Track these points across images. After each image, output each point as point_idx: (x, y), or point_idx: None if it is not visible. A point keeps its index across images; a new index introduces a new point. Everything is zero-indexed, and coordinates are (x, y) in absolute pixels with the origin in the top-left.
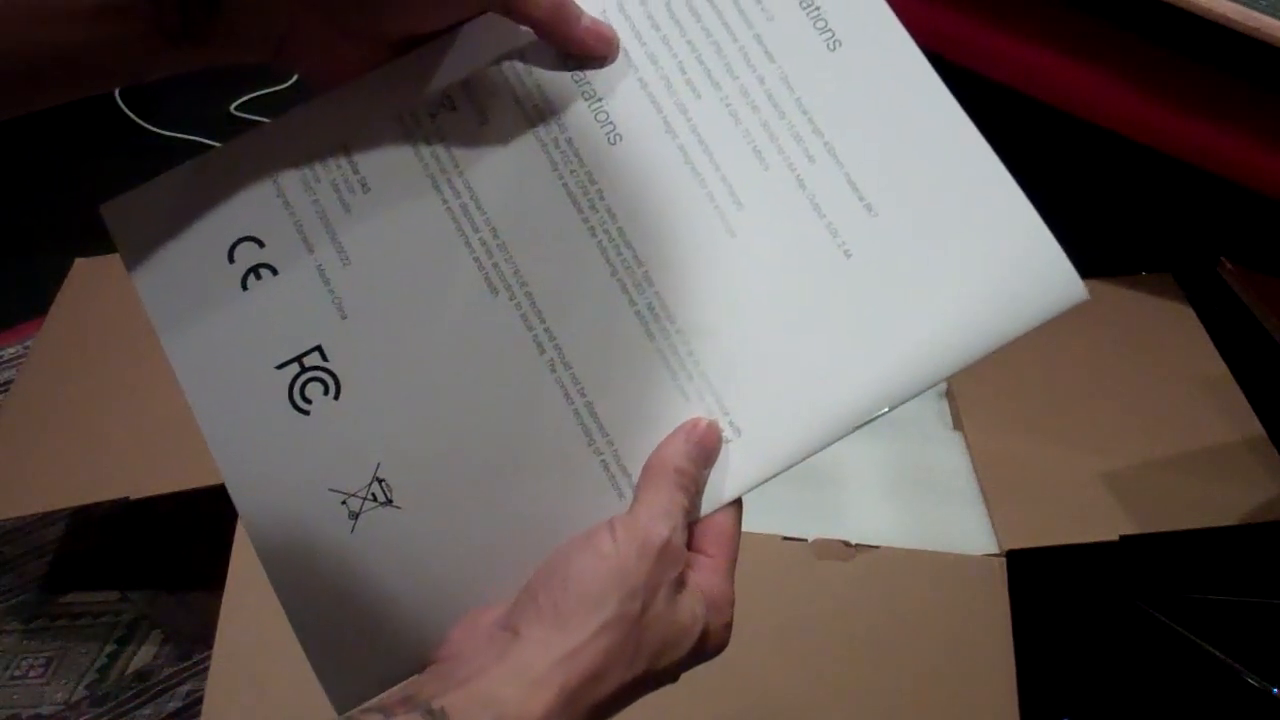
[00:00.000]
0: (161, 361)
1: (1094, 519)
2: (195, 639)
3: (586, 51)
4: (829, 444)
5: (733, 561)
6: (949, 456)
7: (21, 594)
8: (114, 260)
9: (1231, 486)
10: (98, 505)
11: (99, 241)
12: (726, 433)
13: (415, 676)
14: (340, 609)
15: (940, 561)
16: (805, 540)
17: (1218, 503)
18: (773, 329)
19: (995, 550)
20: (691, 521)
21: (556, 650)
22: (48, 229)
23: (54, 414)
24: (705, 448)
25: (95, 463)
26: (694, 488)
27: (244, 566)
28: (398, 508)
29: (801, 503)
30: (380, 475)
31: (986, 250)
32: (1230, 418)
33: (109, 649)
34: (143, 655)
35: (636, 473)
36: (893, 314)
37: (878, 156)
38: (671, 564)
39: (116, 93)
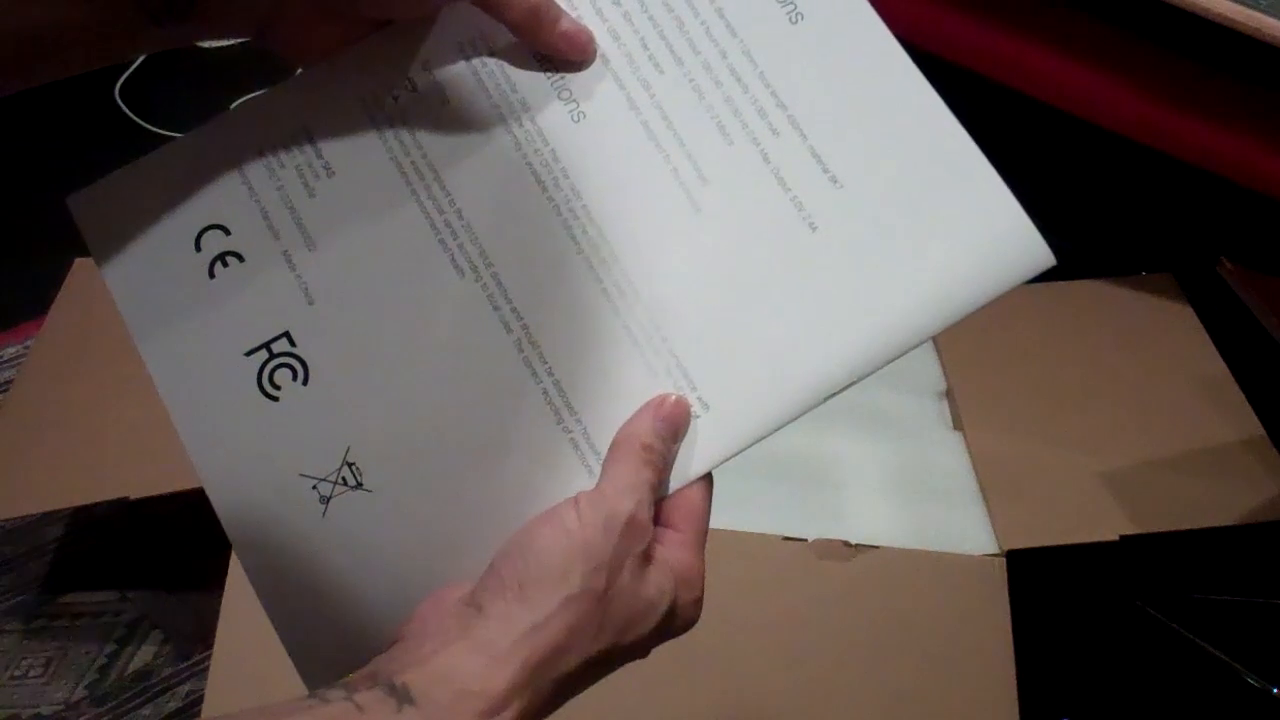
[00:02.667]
0: None
1: (1094, 519)
2: (195, 639)
3: (560, 56)
4: (797, 416)
5: (702, 536)
6: (949, 456)
7: (21, 594)
8: None
9: (1231, 486)
10: (98, 505)
11: None
12: (695, 408)
13: (381, 654)
14: (312, 591)
15: (940, 561)
16: (805, 540)
17: (1218, 503)
18: (739, 303)
19: (995, 550)
20: (660, 497)
21: (520, 625)
22: (48, 229)
23: (54, 414)
24: (673, 423)
25: (95, 463)
26: (661, 463)
27: None
28: (368, 491)
29: (801, 503)
30: (350, 459)
31: (952, 218)
32: (1230, 418)
33: (109, 649)
34: (143, 655)
35: (605, 450)
36: (859, 285)
37: (842, 129)
38: (637, 539)
39: (116, 92)
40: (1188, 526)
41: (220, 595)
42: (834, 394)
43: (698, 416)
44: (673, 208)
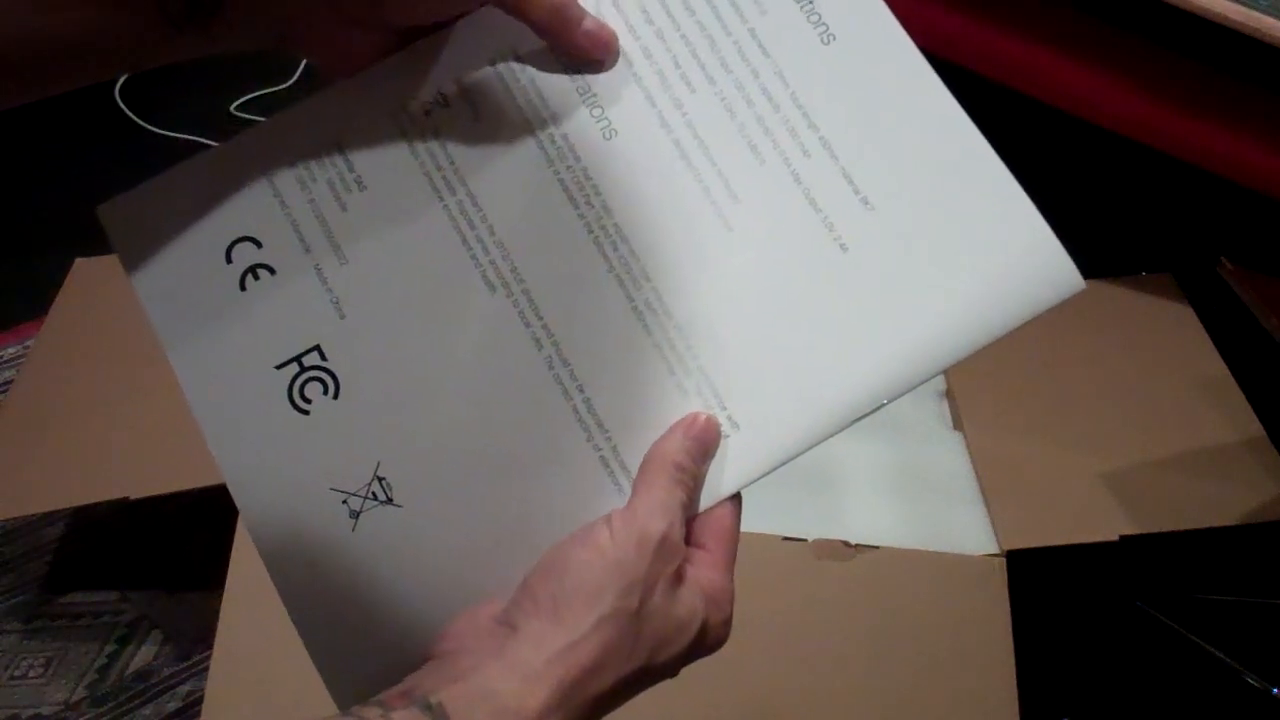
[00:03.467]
0: (162, 362)
1: (1094, 519)
2: (195, 639)
3: (583, 56)
4: (827, 437)
5: (732, 556)
6: (949, 456)
7: (21, 594)
8: (114, 260)
9: (1231, 486)
10: (98, 505)
11: (99, 241)
12: (724, 427)
13: (415, 672)
14: (341, 606)
15: (940, 561)
16: (805, 540)
17: (1218, 503)
18: (770, 323)
19: (995, 550)
20: (690, 516)
21: (553, 645)
22: (48, 229)
23: (54, 414)
24: (703, 442)
25: (95, 463)
26: (692, 482)
27: (244, 566)
28: (398, 506)
29: (801, 503)
30: (380, 474)
31: (983, 242)
32: (1230, 418)
33: (109, 649)
34: (143, 655)
35: (635, 468)
36: (889, 307)
37: (873, 150)
38: (669, 558)
39: (116, 92)
40: (1188, 526)
41: (220, 595)
42: (862, 417)
43: (727, 436)
44: (704, 226)
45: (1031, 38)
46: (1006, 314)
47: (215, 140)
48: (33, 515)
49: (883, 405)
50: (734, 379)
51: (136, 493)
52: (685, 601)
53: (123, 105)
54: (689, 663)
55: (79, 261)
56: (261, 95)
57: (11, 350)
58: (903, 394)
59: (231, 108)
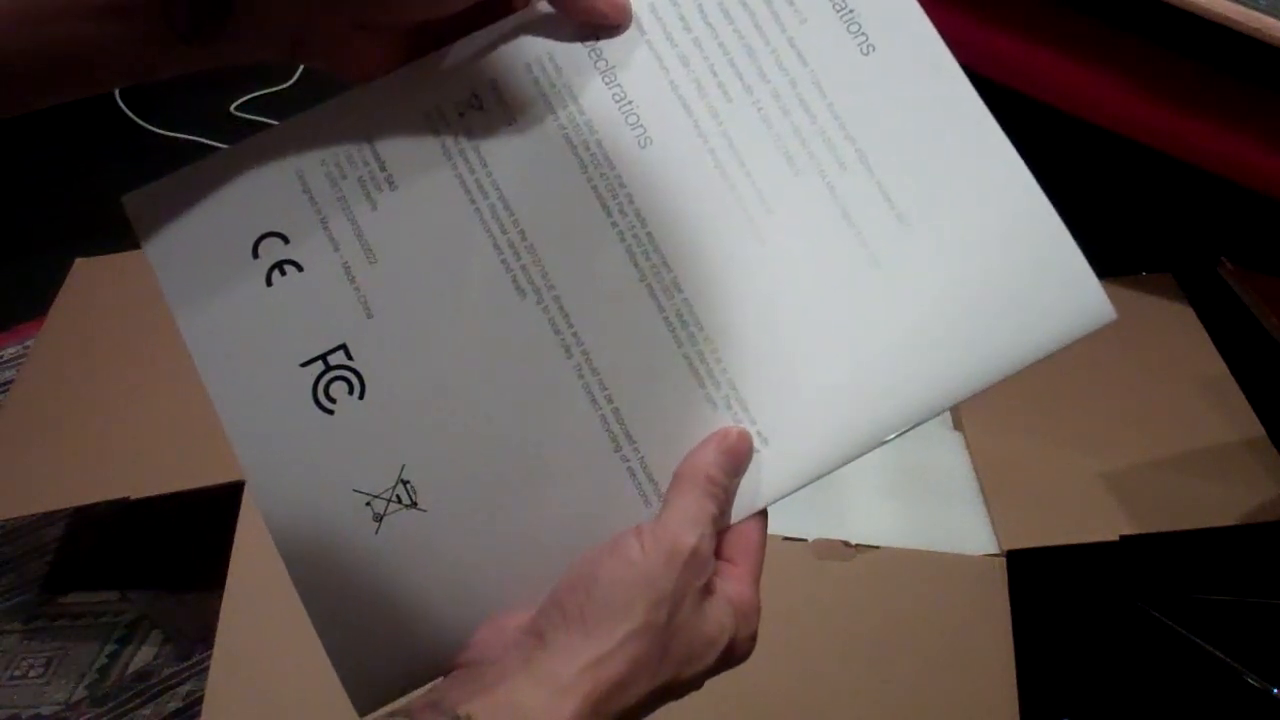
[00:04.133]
0: (162, 362)
1: (1094, 519)
2: (195, 639)
3: (601, 21)
4: (854, 458)
5: (759, 570)
6: (949, 456)
7: (21, 594)
8: (114, 260)
9: (1231, 486)
10: (98, 505)
11: (99, 241)
12: (754, 442)
13: (439, 680)
14: (363, 610)
15: (940, 561)
16: (805, 540)
17: (1218, 503)
18: (801, 338)
19: (995, 550)
20: (719, 530)
21: (582, 658)
22: (48, 229)
23: (54, 414)
24: (736, 457)
25: (95, 463)
26: (724, 496)
27: (244, 566)
28: (422, 510)
29: (801, 503)
30: (405, 477)
31: (1017, 269)
32: (1230, 418)
33: (109, 649)
34: (143, 655)
35: (662, 479)
36: (921, 327)
37: (910, 167)
38: (699, 572)
39: (116, 92)
40: (1188, 526)
41: (220, 595)
42: (889, 439)
43: (757, 451)
44: (737, 238)
45: (1031, 38)
46: (1036, 343)
47: (216, 140)
48: (33, 515)
49: (908, 429)
50: (764, 394)
51: (136, 493)
52: (713, 616)
53: (123, 105)
54: (714, 675)
55: (79, 261)
56: (261, 95)
57: (11, 350)
58: (929, 418)
59: (231, 108)
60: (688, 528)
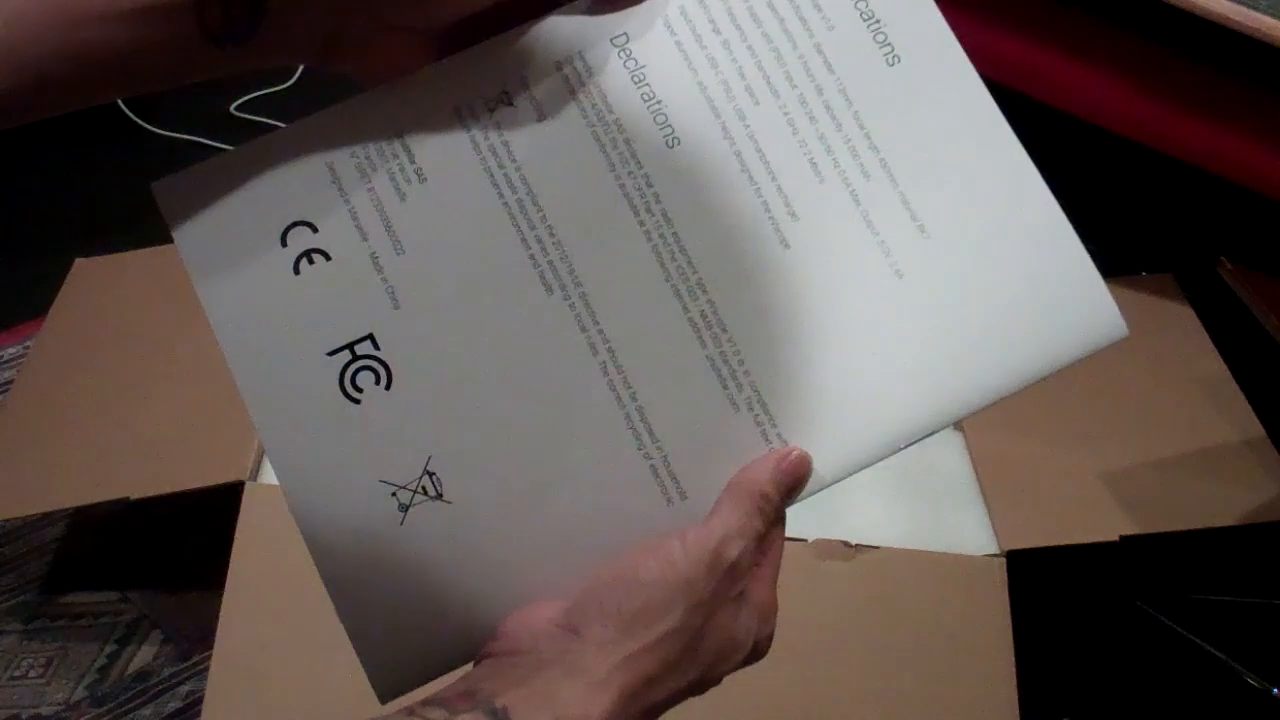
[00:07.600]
0: (162, 362)
1: (1094, 519)
2: (195, 639)
3: None
4: (870, 464)
5: (777, 571)
6: (949, 456)
7: (21, 594)
8: (114, 260)
9: (1231, 486)
10: (98, 505)
11: (99, 241)
12: (774, 444)
13: (471, 670)
14: (388, 600)
15: (940, 561)
16: (805, 540)
17: (1218, 503)
18: (823, 344)
19: (995, 550)
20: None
21: (618, 653)
22: (48, 229)
23: (54, 414)
24: (793, 478)
25: (95, 463)
26: (774, 514)
27: (244, 566)
28: (448, 502)
29: (801, 503)
30: (431, 469)
31: (1034, 284)
32: (1230, 418)
33: (109, 649)
34: (143, 655)
35: (684, 478)
36: (941, 338)
37: (932, 179)
38: (736, 582)
39: None
40: (1187, 527)
41: (220, 595)
42: (905, 447)
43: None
44: (762, 241)
45: (1031, 38)
46: (1049, 357)
47: (216, 140)
48: (33, 515)
49: (924, 438)
50: (785, 399)
51: (136, 493)
52: (743, 622)
53: (123, 105)
54: (733, 672)
55: (79, 261)
56: (261, 95)
57: (11, 350)
58: (943, 428)
59: (231, 108)
60: (733, 539)
